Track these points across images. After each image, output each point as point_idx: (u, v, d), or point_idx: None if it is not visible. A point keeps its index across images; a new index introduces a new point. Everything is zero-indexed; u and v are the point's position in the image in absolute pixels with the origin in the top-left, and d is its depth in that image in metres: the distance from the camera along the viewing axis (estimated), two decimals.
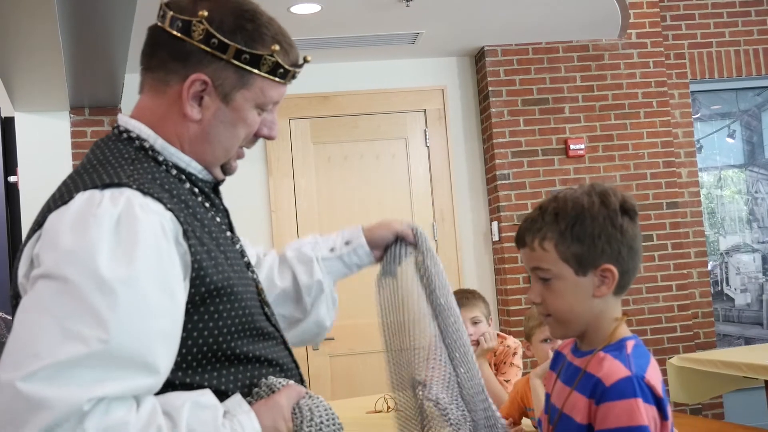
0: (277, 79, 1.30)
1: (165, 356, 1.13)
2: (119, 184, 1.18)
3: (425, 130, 5.25)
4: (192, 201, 1.27)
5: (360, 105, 5.22)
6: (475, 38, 5.01)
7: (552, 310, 1.45)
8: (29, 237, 1.18)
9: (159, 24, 1.31)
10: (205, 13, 1.24)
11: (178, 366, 1.19)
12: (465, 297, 3.10)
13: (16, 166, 4.65)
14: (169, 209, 1.19)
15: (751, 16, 5.56)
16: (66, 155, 4.71)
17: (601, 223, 1.41)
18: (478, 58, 5.25)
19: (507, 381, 3.00)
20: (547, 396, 1.55)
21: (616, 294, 1.45)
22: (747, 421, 4.78)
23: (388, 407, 2.93)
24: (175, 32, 1.27)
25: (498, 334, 3.20)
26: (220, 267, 1.24)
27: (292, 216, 5.09)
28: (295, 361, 1.41)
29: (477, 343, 3.01)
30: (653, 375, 1.36)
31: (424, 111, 5.27)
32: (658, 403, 1.34)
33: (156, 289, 1.11)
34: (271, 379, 1.30)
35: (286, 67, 1.31)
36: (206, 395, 1.17)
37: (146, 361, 1.09)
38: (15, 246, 4.64)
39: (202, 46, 1.25)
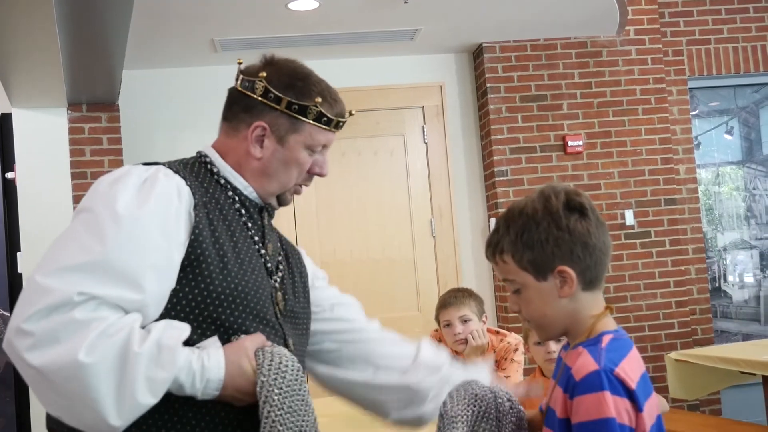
0: (322, 126, 1.62)
1: (153, 281, 1.39)
2: (155, 164, 1.53)
3: (423, 127, 5.25)
4: (227, 204, 1.58)
5: (358, 101, 5.21)
6: (473, 35, 5.01)
7: (528, 316, 1.50)
8: None
9: (234, 86, 1.65)
10: (264, 74, 1.59)
11: (174, 317, 1.44)
12: (453, 296, 3.12)
13: (14, 162, 4.65)
14: (189, 185, 1.51)
15: (749, 12, 5.56)
16: (63, 151, 4.70)
17: (546, 227, 1.43)
18: (476, 54, 5.25)
19: (507, 377, 3.01)
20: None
21: (588, 290, 1.46)
22: (744, 417, 4.79)
23: None
24: (243, 90, 1.62)
25: (498, 332, 3.21)
26: (220, 243, 1.51)
27: (290, 212, 5.09)
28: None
29: (465, 341, 3.02)
30: (628, 367, 1.38)
31: (422, 107, 5.27)
32: (630, 395, 1.35)
33: (157, 230, 1.42)
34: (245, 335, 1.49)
35: (329, 116, 1.62)
36: (182, 323, 1.42)
37: (135, 279, 1.36)
38: (13, 242, 4.63)
39: (262, 99, 1.59)
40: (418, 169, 5.23)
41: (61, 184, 4.65)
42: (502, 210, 5.01)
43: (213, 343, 1.44)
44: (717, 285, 5.70)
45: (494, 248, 1.50)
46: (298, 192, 1.72)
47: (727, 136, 5.82)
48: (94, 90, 4.47)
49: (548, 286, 1.45)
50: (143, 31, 4.08)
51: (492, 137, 5.08)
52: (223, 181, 1.61)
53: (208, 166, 1.63)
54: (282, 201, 1.71)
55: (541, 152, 5.12)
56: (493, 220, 5.12)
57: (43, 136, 4.68)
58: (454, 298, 3.10)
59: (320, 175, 1.69)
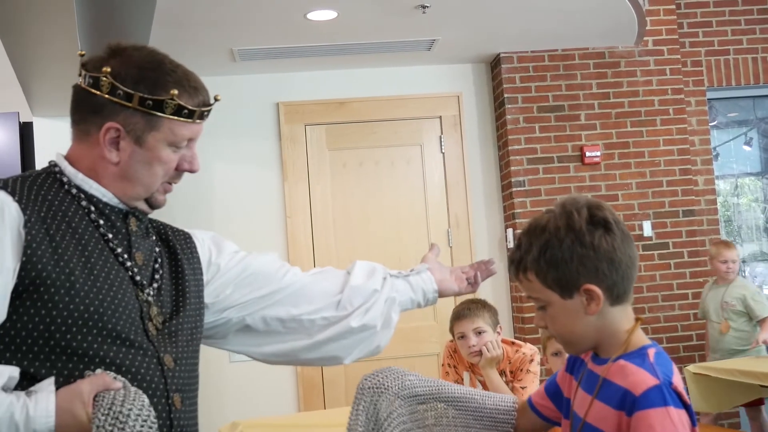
0: (183, 119, 1.45)
1: None
2: None
3: (441, 137, 5.25)
4: (78, 216, 1.41)
5: (376, 111, 5.23)
6: (490, 45, 5.01)
7: (555, 332, 1.48)
8: None
9: (78, 83, 1.48)
10: (109, 69, 1.41)
11: (16, 351, 1.31)
12: (467, 308, 3.11)
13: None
14: (17, 201, 1.34)
15: None
16: None
17: (570, 246, 1.40)
18: (494, 64, 5.25)
19: (523, 388, 3.00)
20: (568, 401, 1.55)
21: (616, 304, 1.44)
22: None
23: None
24: (88, 88, 1.44)
25: (514, 342, 3.20)
26: (65, 261, 1.35)
27: (307, 221, 5.11)
28: (164, 376, 1.44)
29: (480, 353, 3.01)
30: (678, 381, 1.36)
31: (440, 117, 5.27)
32: (687, 408, 1.34)
33: None
34: (99, 370, 1.33)
35: (190, 107, 1.45)
36: (3, 366, 1.28)
37: None
38: None
39: (110, 98, 1.42)
40: (435, 179, 5.24)
41: None
42: (519, 221, 5.00)
43: (45, 387, 1.28)
44: None
45: (518, 266, 1.47)
46: (168, 190, 1.52)
47: (746, 147, 5.78)
48: None
49: (574, 304, 1.42)
50: (163, 40, 4.11)
51: (509, 147, 5.08)
52: (74, 191, 1.44)
53: (57, 176, 1.45)
54: (153, 203, 1.51)
55: (558, 163, 5.11)
56: (510, 231, 5.11)
57: (63, 144, 4.67)
58: (467, 309, 3.09)
59: (190, 171, 1.51)
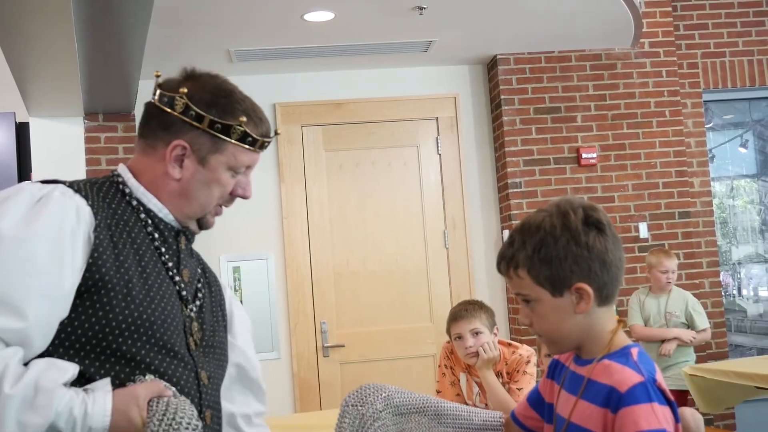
0: (246, 146, 1.52)
1: (37, 309, 1.28)
2: (55, 182, 1.43)
3: (437, 138, 5.26)
4: (138, 228, 1.48)
5: (372, 112, 5.23)
6: (487, 46, 5.02)
7: (540, 331, 1.49)
8: None
9: (152, 101, 1.54)
10: (185, 90, 1.48)
11: (69, 349, 1.34)
12: (464, 309, 3.10)
13: (31, 171, 4.68)
14: (90, 205, 1.40)
15: (764, 25, 5.55)
16: (79, 160, 4.74)
17: (565, 244, 1.42)
18: (491, 66, 5.26)
19: (519, 389, 3.00)
20: (551, 406, 1.56)
21: (603, 305, 1.46)
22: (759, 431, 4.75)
23: None
24: (161, 106, 1.50)
25: (510, 344, 3.20)
26: (125, 268, 1.40)
27: (304, 222, 5.11)
28: (200, 391, 1.50)
29: (477, 354, 3.01)
30: (661, 379, 1.40)
31: (437, 119, 5.28)
32: (670, 405, 1.36)
33: (46, 253, 1.31)
34: (149, 376, 1.38)
35: (254, 136, 1.52)
36: (68, 363, 1.31)
37: (16, 306, 1.26)
38: None
39: (182, 117, 1.49)
40: (432, 181, 5.24)
41: None
42: (515, 222, 5.00)
43: (102, 386, 1.32)
44: (731, 299, 5.67)
45: (508, 262, 1.48)
46: (219, 213, 1.60)
47: (742, 149, 5.80)
48: (110, 99, 4.51)
49: (564, 303, 1.44)
50: (160, 40, 4.11)
51: (506, 149, 5.08)
52: (135, 203, 1.50)
53: (120, 186, 1.51)
54: (203, 224, 1.59)
55: (555, 164, 5.12)
56: (506, 232, 5.12)
57: (59, 144, 4.72)
58: (464, 311, 3.09)
59: (243, 197, 1.59)
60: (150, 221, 1.50)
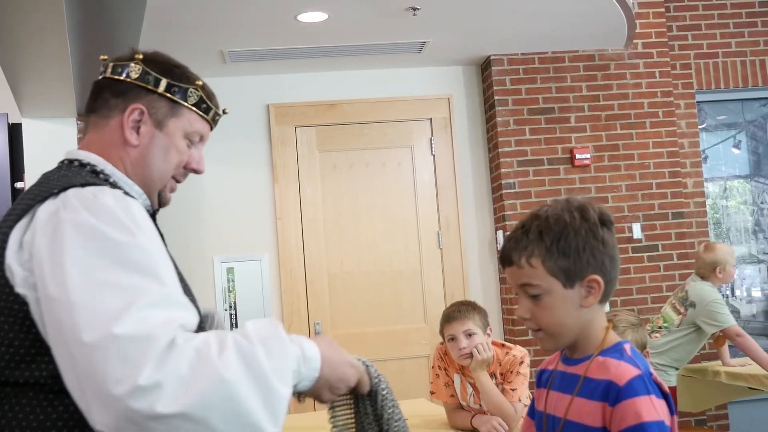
0: (201, 113, 1.54)
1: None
2: (95, 184, 1.36)
3: (431, 139, 5.26)
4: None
5: (366, 113, 5.23)
6: (481, 47, 5.02)
7: (543, 324, 1.49)
8: (12, 225, 1.31)
9: (104, 76, 1.55)
10: (141, 56, 1.51)
11: None
12: (457, 310, 3.10)
13: (23, 172, 4.67)
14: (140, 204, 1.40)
15: (757, 26, 5.57)
16: None
17: (584, 236, 1.47)
18: (485, 67, 5.26)
19: (513, 390, 3.00)
20: (540, 413, 1.57)
21: (602, 302, 1.51)
22: None
23: None
24: (116, 76, 1.52)
25: (503, 344, 3.20)
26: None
27: (297, 223, 5.10)
28: None
29: (471, 355, 3.01)
30: (655, 374, 1.44)
31: (430, 119, 5.28)
32: (665, 398, 1.40)
33: (163, 251, 1.31)
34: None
35: (209, 103, 1.55)
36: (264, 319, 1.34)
37: (185, 300, 1.26)
38: None
39: (139, 83, 1.50)
40: (426, 181, 5.24)
41: None
42: (509, 223, 5.00)
43: (301, 335, 1.36)
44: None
45: (521, 251, 1.48)
46: (173, 189, 1.58)
47: (735, 150, 5.81)
48: None
49: (573, 295, 1.47)
50: (153, 41, 4.10)
51: (500, 150, 5.09)
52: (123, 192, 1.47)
53: (101, 175, 1.47)
54: (162, 200, 1.57)
55: (548, 165, 5.12)
56: (500, 233, 5.12)
57: (52, 145, 4.70)
58: (458, 312, 3.09)
59: (197, 171, 1.58)
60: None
